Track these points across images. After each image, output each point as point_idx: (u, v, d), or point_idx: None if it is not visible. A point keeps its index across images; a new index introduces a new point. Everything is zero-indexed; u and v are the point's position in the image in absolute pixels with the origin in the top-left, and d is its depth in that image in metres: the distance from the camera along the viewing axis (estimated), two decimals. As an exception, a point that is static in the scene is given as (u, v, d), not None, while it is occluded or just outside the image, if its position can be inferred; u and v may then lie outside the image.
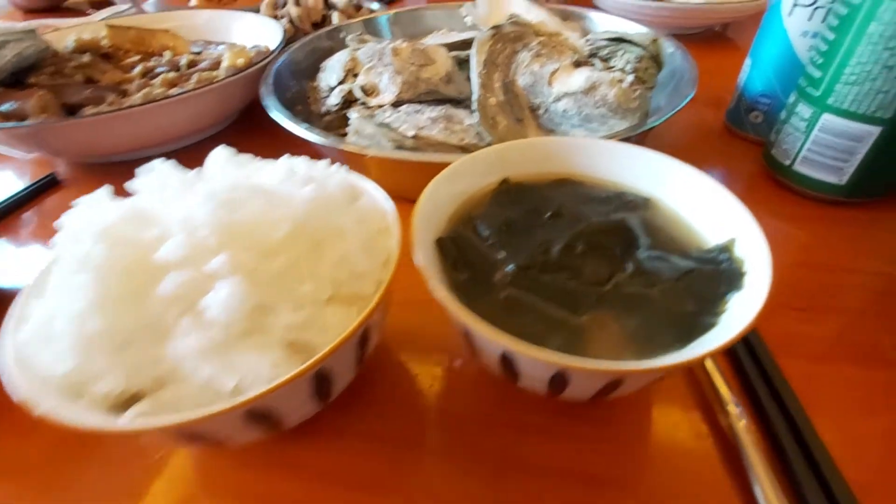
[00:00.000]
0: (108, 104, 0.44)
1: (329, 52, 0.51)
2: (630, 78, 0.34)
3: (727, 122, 0.47)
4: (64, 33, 0.55)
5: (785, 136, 0.37)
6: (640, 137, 0.35)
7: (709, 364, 0.25)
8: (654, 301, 0.20)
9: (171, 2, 0.69)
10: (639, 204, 0.26)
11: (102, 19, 0.61)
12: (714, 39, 0.70)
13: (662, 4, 0.63)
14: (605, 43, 0.36)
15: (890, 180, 0.36)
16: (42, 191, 0.44)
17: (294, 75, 0.50)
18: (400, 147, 0.35)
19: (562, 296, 0.21)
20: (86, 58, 0.49)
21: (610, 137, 0.33)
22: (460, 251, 0.23)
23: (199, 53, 0.58)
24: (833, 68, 0.32)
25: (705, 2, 0.63)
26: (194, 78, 0.47)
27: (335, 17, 0.61)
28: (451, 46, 0.50)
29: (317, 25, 0.63)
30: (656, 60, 0.35)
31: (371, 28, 0.59)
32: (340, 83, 0.45)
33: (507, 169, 0.28)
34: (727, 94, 0.47)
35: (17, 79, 0.47)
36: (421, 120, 0.37)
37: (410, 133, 0.35)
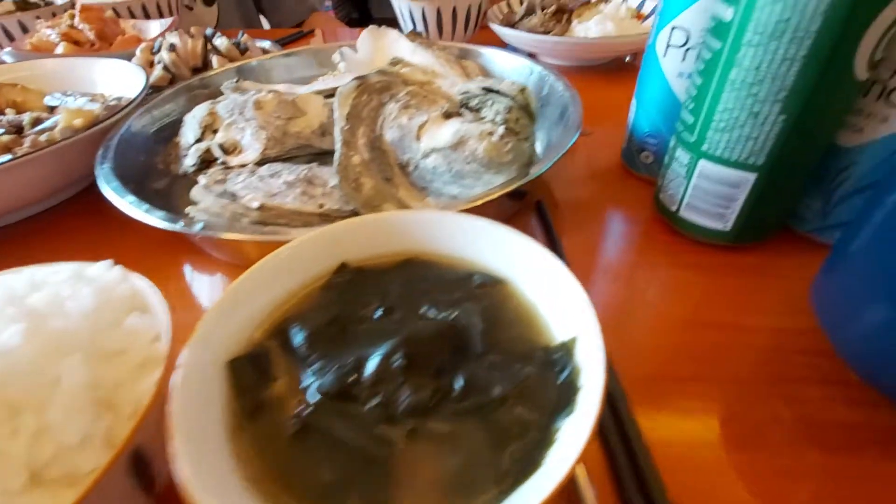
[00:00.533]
0: None
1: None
2: (500, 130, 0.31)
3: (622, 161, 0.45)
4: None
5: (669, 182, 0.35)
6: (529, 186, 0.33)
7: (579, 471, 0.21)
8: (476, 433, 0.16)
9: (36, 49, 0.62)
10: (488, 289, 0.22)
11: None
12: (621, 70, 0.69)
13: (560, 39, 0.62)
14: (476, 92, 0.33)
15: (775, 224, 0.34)
16: None
17: (153, 131, 0.44)
18: (249, 221, 0.30)
19: (366, 436, 0.16)
20: None
21: (489, 192, 0.30)
22: (259, 372, 0.19)
23: (53, 109, 0.51)
24: (703, 114, 0.31)
25: (601, 36, 0.63)
26: (27, 142, 0.41)
27: (215, 62, 0.56)
28: (331, 93, 0.47)
29: (198, 70, 0.58)
30: (527, 111, 0.32)
31: (252, 74, 0.54)
32: (198, 141, 0.40)
33: (347, 251, 0.24)
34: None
35: None
36: (275, 185, 0.32)
37: (255, 204, 0.30)
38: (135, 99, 0.44)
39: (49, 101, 0.52)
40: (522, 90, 0.32)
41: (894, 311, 0.21)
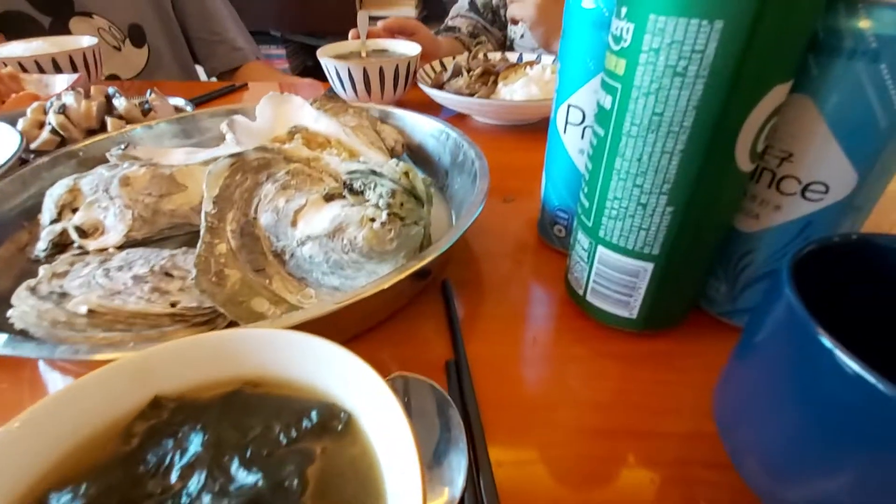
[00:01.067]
0: None
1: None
2: (383, 215, 0.28)
3: (539, 233, 0.44)
4: None
5: (574, 264, 0.33)
6: (433, 265, 0.29)
7: None
8: None
9: None
10: (327, 426, 0.18)
11: None
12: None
13: (484, 101, 0.62)
14: (359, 173, 0.30)
15: (682, 310, 0.33)
16: None
17: (20, 207, 0.39)
18: (78, 329, 0.26)
19: None
20: None
21: (379, 281, 0.26)
22: None
23: None
24: (596, 200, 0.29)
25: (527, 99, 0.63)
26: None
27: (109, 124, 0.52)
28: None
29: (92, 133, 0.53)
30: (413, 194, 0.30)
31: (145, 139, 0.50)
32: (53, 221, 0.35)
33: (164, 381, 0.20)
34: None
35: None
36: (119, 282, 0.28)
37: (82, 309, 0.25)
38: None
39: None
40: (407, 173, 0.29)
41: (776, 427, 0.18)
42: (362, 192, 0.31)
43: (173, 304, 0.27)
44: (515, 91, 0.64)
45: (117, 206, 0.34)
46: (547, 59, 0.76)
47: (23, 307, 0.25)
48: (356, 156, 0.43)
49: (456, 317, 0.34)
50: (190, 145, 0.50)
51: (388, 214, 0.29)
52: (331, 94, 0.53)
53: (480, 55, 0.74)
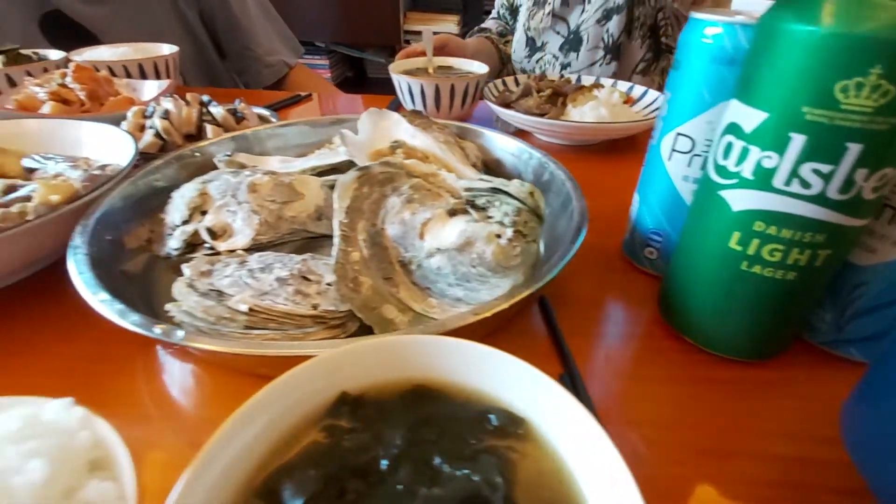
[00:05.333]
0: None
1: (194, 175, 0.44)
2: (509, 233, 0.30)
3: (624, 252, 0.45)
4: None
5: (677, 288, 0.34)
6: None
7: None
8: None
9: (21, 107, 0.60)
10: (508, 435, 0.20)
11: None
12: (613, 151, 0.70)
13: (557, 122, 0.64)
14: (483, 191, 0.32)
15: (790, 337, 0.33)
16: None
17: (138, 205, 0.42)
18: (236, 325, 0.28)
19: None
20: None
21: (501, 301, 0.28)
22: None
23: (32, 171, 0.49)
24: (716, 227, 0.30)
25: (597, 121, 0.65)
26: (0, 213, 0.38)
27: (209, 131, 0.55)
28: (326, 170, 0.46)
29: (191, 138, 0.57)
30: (536, 213, 0.31)
31: (247, 144, 0.53)
32: (185, 222, 0.37)
33: (347, 379, 0.21)
34: (626, 215, 0.45)
35: None
36: (266, 282, 0.30)
37: (243, 307, 0.27)
38: (120, 172, 0.41)
39: (27, 163, 0.49)
40: (532, 193, 0.31)
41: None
42: (485, 209, 0.32)
43: (314, 307, 0.29)
44: (585, 113, 0.66)
45: (245, 210, 0.36)
46: (608, 82, 0.78)
47: (188, 303, 0.27)
48: (451, 170, 0.45)
49: (560, 332, 0.35)
50: (285, 151, 0.53)
51: (514, 232, 0.30)
52: (414, 110, 0.55)
53: (547, 76, 0.76)
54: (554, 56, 1.00)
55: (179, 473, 0.16)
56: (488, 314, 0.27)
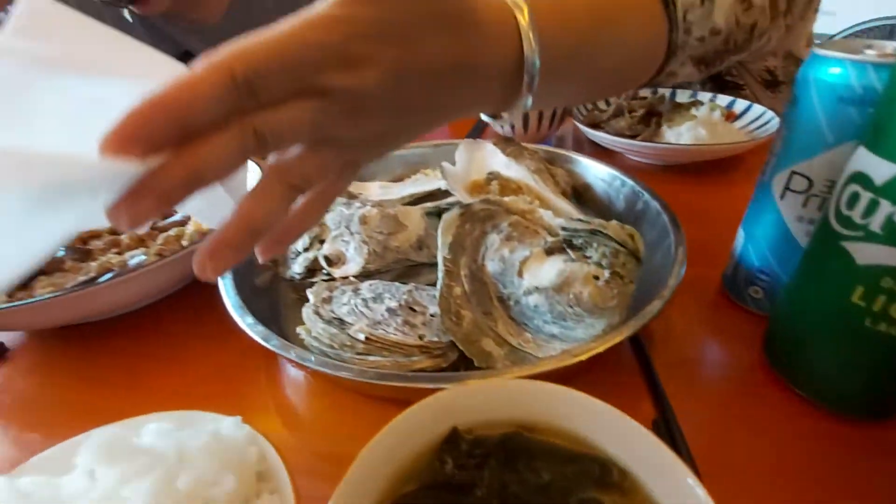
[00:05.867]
0: (63, 271, 0.42)
1: None
2: (607, 274, 0.31)
3: (724, 287, 0.43)
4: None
5: (787, 333, 0.33)
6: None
7: None
8: None
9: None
10: (611, 483, 0.21)
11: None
12: (709, 173, 0.67)
13: (652, 145, 0.62)
14: (580, 230, 0.33)
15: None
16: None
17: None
18: (354, 352, 0.31)
19: None
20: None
21: (600, 342, 0.29)
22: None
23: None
24: (836, 278, 0.28)
25: (695, 142, 0.62)
26: (160, 238, 0.45)
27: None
28: (422, 197, 0.49)
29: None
30: (635, 255, 0.32)
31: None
32: (306, 249, 0.43)
33: (458, 416, 0.24)
34: (726, 245, 0.43)
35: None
36: (378, 313, 0.33)
37: (361, 336, 0.31)
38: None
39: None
40: (632, 235, 0.32)
41: None
42: (582, 249, 0.33)
43: (420, 337, 0.32)
44: (682, 134, 0.64)
45: (357, 240, 0.41)
46: (706, 97, 0.74)
47: (316, 329, 0.32)
48: (545, 202, 0.46)
49: (655, 372, 0.35)
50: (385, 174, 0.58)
51: (611, 273, 0.31)
52: (505, 138, 0.57)
53: (639, 93, 0.74)
54: None
55: (318, 484, 0.19)
56: (584, 357, 0.28)
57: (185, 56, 1.08)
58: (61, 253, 0.44)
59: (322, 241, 0.42)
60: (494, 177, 0.47)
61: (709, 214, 0.57)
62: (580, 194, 0.56)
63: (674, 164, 0.67)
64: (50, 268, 0.43)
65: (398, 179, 0.61)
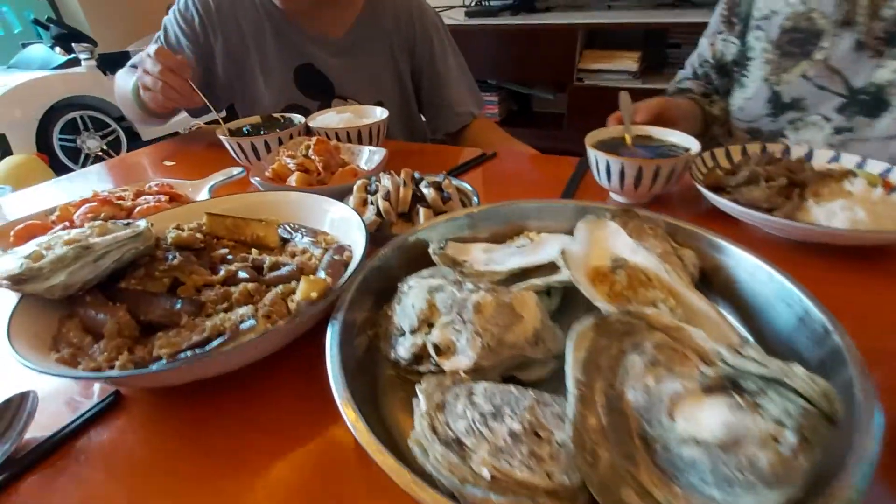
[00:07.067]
0: (179, 329, 0.42)
1: (413, 259, 0.49)
2: (791, 438, 0.25)
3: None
4: (169, 218, 0.59)
5: None
6: None
7: None
8: None
9: (275, 175, 0.73)
10: None
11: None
12: (874, 255, 0.56)
13: (793, 224, 0.54)
14: (751, 373, 0.28)
15: None
16: (105, 410, 0.42)
17: (368, 291, 0.47)
18: (473, 487, 0.28)
19: None
20: (176, 260, 0.49)
21: None
22: None
23: (286, 242, 0.58)
24: None
25: (852, 227, 0.53)
26: (269, 297, 0.45)
27: (421, 215, 0.59)
28: (536, 269, 0.45)
29: (403, 215, 0.62)
30: (830, 419, 0.26)
31: (455, 228, 0.56)
32: (413, 332, 0.40)
33: None
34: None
35: (113, 277, 0.48)
36: (500, 436, 0.30)
37: (486, 473, 0.27)
38: (358, 267, 0.47)
39: (282, 232, 0.59)
40: (827, 395, 0.25)
41: None
42: (752, 395, 0.28)
43: (549, 475, 0.28)
44: (835, 214, 0.55)
45: (469, 331, 0.37)
46: (850, 159, 0.64)
47: (434, 453, 0.29)
48: (678, 298, 0.40)
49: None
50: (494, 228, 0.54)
51: (799, 438, 0.25)
52: (624, 209, 0.51)
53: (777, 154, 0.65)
54: (825, 118, 0.83)
55: None
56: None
57: (303, 68, 1.14)
58: (178, 305, 0.45)
59: (431, 325, 0.40)
60: (620, 265, 0.42)
61: (872, 314, 0.48)
62: (709, 279, 0.50)
63: (817, 242, 0.58)
64: (168, 320, 0.44)
65: (498, 236, 0.57)
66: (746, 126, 0.93)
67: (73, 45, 3.23)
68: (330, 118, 0.95)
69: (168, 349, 0.40)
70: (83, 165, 3.16)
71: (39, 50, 3.34)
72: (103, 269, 0.46)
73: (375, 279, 0.48)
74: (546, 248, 0.51)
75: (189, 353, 0.39)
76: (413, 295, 0.42)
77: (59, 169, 2.90)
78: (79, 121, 3.23)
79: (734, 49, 0.94)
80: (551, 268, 0.48)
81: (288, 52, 1.12)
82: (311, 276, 0.45)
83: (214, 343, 0.40)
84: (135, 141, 3.39)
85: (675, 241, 0.51)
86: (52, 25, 3.28)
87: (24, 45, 3.41)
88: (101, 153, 3.31)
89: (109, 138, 3.36)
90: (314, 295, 0.43)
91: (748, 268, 0.46)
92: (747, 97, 0.91)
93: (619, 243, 0.44)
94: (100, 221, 0.52)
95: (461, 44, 1.28)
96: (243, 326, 0.41)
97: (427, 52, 1.20)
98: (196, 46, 1.10)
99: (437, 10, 1.49)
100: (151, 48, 0.89)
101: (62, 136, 3.15)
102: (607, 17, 2.33)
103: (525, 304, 0.40)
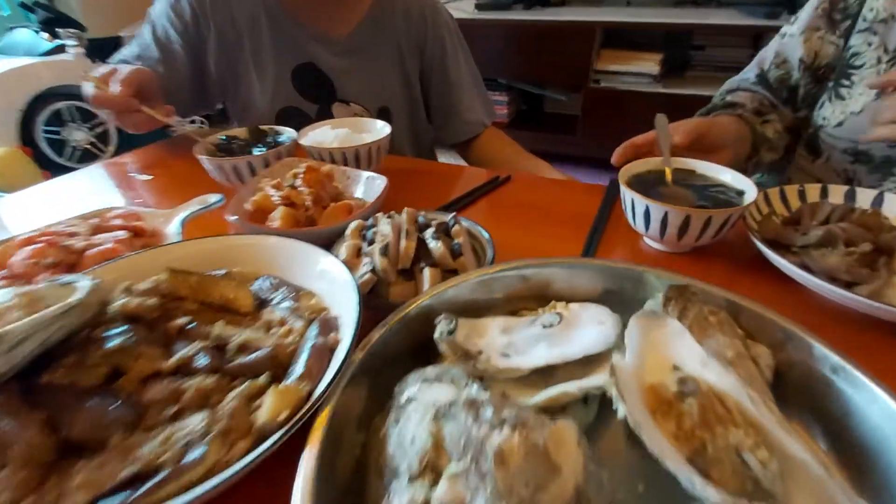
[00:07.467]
0: (107, 454, 0.33)
1: (415, 333, 0.41)
2: None
3: None
4: (124, 269, 0.49)
5: None
6: None
7: None
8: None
9: (258, 209, 0.63)
10: None
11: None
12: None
13: (883, 307, 0.43)
14: None
15: None
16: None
17: (358, 386, 0.37)
18: None
19: None
20: (118, 342, 0.39)
21: None
22: None
23: (262, 304, 0.48)
24: None
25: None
26: (230, 403, 0.35)
27: (426, 278, 0.49)
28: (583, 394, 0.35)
29: (404, 272, 0.52)
30: None
31: (463, 294, 0.46)
32: (411, 479, 0.30)
33: None
34: None
35: (37, 365, 0.38)
36: None
37: None
38: (343, 363, 0.37)
39: (257, 290, 0.49)
40: None
41: None
42: None
43: None
44: (937, 295, 0.44)
45: (489, 488, 0.28)
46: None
47: None
48: (768, 439, 0.30)
49: None
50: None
51: None
52: (680, 286, 0.41)
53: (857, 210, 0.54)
54: None
55: None
56: None
57: (303, 67, 1.03)
58: (112, 408, 0.35)
59: (436, 472, 0.30)
60: (690, 389, 0.32)
61: None
62: (783, 376, 0.40)
63: None
64: (96, 437, 0.34)
65: (518, 301, 0.48)
66: (846, 145, 0.77)
67: (57, 30, 3.01)
68: (324, 134, 0.84)
69: (86, 492, 0.30)
70: (69, 159, 2.99)
71: (25, 35, 3.09)
72: (21, 359, 0.36)
73: (368, 370, 0.38)
74: (579, 334, 0.41)
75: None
76: (414, 421, 0.32)
77: (43, 163, 2.76)
78: (65, 111, 3.03)
79: (831, 50, 0.79)
80: (584, 361, 0.39)
81: (286, 49, 1.01)
82: (282, 387, 0.35)
83: (148, 485, 0.30)
84: (126, 133, 3.24)
85: (740, 325, 0.41)
86: (38, 9, 3.09)
87: (11, 30, 3.24)
88: (88, 146, 3.11)
89: (97, 130, 3.15)
90: (285, 414, 0.33)
91: (832, 364, 0.36)
92: (853, 111, 0.76)
93: (685, 351, 0.34)
94: (29, 288, 0.42)
95: (469, 39, 1.17)
96: (189, 459, 0.31)
97: (438, 53, 1.10)
98: (187, 40, 1.00)
99: (446, 2, 1.37)
100: (88, 88, 0.80)
101: (47, 127, 2.96)
102: (626, 14, 2.18)
103: (562, 446, 0.30)
